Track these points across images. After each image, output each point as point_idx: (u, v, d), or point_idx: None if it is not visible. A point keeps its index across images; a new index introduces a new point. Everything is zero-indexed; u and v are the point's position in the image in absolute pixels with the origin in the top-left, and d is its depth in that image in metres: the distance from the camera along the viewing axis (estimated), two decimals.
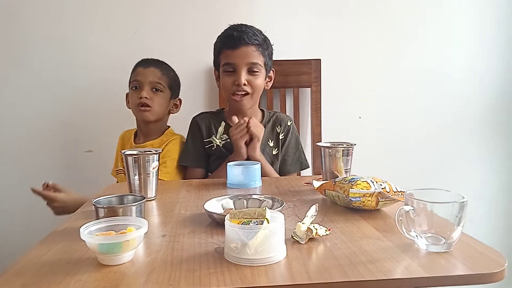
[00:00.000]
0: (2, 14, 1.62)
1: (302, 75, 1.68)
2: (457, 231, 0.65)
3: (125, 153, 1.02)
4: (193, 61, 1.68)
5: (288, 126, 1.45)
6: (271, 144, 1.42)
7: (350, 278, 0.57)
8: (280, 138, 1.44)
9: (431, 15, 1.72)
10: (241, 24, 1.36)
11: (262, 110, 1.47)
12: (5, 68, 1.65)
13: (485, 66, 1.76)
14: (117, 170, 1.50)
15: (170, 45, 1.67)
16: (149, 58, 1.48)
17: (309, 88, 1.69)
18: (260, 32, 1.36)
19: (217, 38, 1.38)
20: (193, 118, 1.46)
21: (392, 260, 0.63)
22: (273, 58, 1.43)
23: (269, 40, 1.39)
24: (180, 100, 1.54)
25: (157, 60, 1.48)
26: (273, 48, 1.41)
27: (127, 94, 1.50)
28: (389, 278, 0.57)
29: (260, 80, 1.35)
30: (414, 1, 1.71)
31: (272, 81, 1.44)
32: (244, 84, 1.31)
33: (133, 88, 1.44)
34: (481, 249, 0.66)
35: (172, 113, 1.53)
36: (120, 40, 1.65)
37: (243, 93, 1.33)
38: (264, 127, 1.40)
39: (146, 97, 1.40)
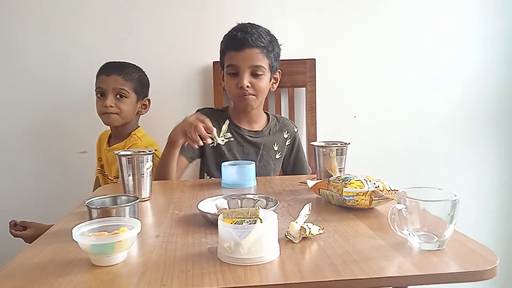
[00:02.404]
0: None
1: (297, 74, 1.68)
2: (450, 229, 0.65)
3: (119, 153, 1.02)
4: (187, 60, 1.68)
5: (295, 133, 1.48)
6: (276, 148, 1.42)
7: (342, 277, 0.57)
8: (286, 144, 1.45)
9: (426, 14, 1.72)
10: (248, 23, 1.33)
11: (266, 113, 1.47)
12: None
13: (480, 65, 1.76)
14: (98, 170, 1.56)
15: (164, 45, 1.67)
16: (112, 62, 1.46)
17: (304, 88, 1.69)
18: (268, 33, 1.33)
19: (223, 38, 1.35)
20: (197, 110, 1.41)
21: (385, 258, 0.63)
22: None
23: (276, 41, 1.36)
24: (148, 100, 1.53)
25: (120, 65, 1.45)
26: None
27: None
28: (381, 277, 0.58)
29: (264, 83, 1.33)
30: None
31: (277, 83, 1.42)
32: (248, 87, 1.30)
33: (98, 95, 1.44)
34: (473, 247, 0.66)
35: (141, 114, 1.53)
36: (114, 40, 1.65)
37: (247, 93, 1.31)
38: (270, 130, 1.41)
39: (111, 106, 1.40)
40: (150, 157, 1.02)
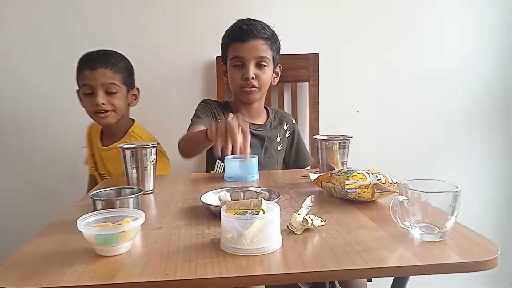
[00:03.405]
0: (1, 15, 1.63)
1: (299, 69, 1.68)
2: (451, 220, 0.65)
3: (123, 147, 1.02)
4: (190, 55, 1.68)
5: (293, 124, 1.50)
6: (278, 140, 1.44)
7: (344, 267, 0.58)
8: (286, 136, 1.47)
9: (430, 11, 1.71)
10: (249, 18, 1.35)
11: (264, 107, 1.48)
12: (5, 65, 1.66)
13: (482, 61, 1.75)
14: (92, 167, 1.47)
15: (168, 39, 1.67)
16: (93, 52, 1.32)
17: (307, 83, 1.69)
18: (268, 26, 1.35)
19: (225, 32, 1.37)
20: (203, 100, 1.41)
21: (386, 249, 0.63)
22: None
23: (276, 35, 1.38)
24: (137, 89, 1.41)
25: (104, 55, 1.32)
26: None
27: (77, 91, 1.35)
28: (383, 266, 0.58)
29: (268, 74, 1.35)
30: None
31: (278, 77, 1.44)
32: (252, 78, 1.30)
33: (85, 93, 1.30)
34: (474, 238, 0.67)
35: (132, 106, 1.41)
36: (118, 36, 1.65)
37: (250, 85, 1.32)
38: (271, 124, 1.44)
39: (103, 103, 1.28)
40: (153, 150, 1.03)
